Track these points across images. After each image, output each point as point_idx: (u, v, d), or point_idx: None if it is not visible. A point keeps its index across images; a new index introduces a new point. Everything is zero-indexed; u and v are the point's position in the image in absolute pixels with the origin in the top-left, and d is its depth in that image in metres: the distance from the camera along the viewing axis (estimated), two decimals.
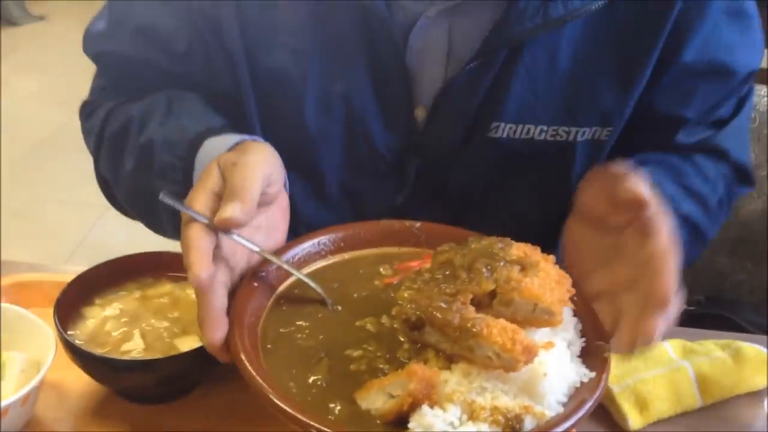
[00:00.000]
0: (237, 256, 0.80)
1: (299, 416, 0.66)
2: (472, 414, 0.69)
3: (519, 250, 0.78)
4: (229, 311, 0.74)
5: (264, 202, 0.82)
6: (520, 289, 0.74)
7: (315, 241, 0.87)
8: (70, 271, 0.97)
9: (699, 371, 0.98)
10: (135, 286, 0.96)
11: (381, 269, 0.88)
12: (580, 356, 0.77)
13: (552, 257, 0.80)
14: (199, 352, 0.83)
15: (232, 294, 0.77)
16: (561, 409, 0.71)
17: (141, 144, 1.01)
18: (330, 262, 0.88)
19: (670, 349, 1.01)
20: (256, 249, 0.79)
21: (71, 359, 0.86)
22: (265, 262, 0.81)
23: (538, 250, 0.80)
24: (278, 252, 0.84)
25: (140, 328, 0.90)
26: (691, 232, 1.06)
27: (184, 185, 0.93)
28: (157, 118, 1.02)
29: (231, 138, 0.93)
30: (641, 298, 0.75)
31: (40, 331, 0.87)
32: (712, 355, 1.00)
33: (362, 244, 0.90)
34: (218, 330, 0.72)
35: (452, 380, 0.71)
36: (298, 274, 0.82)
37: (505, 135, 1.02)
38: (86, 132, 1.18)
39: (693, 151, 1.10)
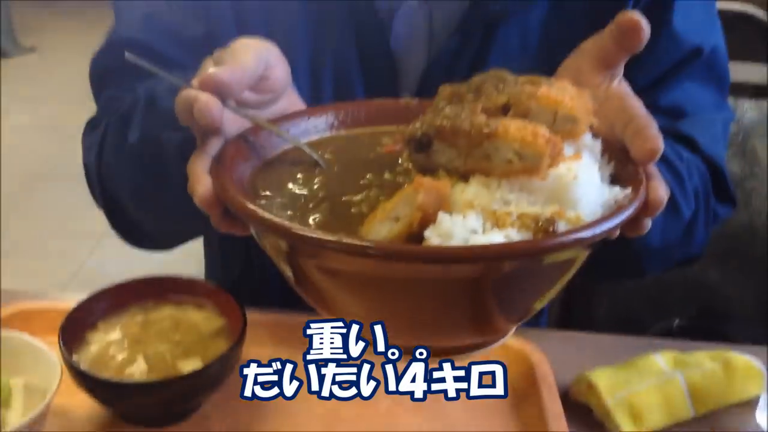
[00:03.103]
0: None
1: (308, 233, 0.58)
2: (497, 221, 0.59)
3: (527, 77, 0.70)
4: (215, 166, 0.68)
5: (269, 89, 0.76)
6: (537, 97, 0.65)
7: (307, 117, 0.79)
8: (71, 299, 0.97)
9: (691, 382, 0.99)
10: (137, 310, 0.97)
11: (382, 140, 0.80)
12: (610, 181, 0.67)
13: (565, 80, 0.70)
14: (201, 373, 0.86)
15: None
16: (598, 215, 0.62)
17: (144, 103, 0.95)
18: (326, 135, 0.80)
19: (661, 361, 1.03)
20: (249, 115, 0.72)
21: (77, 383, 0.87)
22: (254, 129, 0.74)
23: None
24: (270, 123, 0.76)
25: (143, 351, 0.92)
26: (667, 205, 1.05)
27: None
28: (162, 83, 0.94)
29: None
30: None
31: (45, 357, 0.88)
32: (703, 366, 1.02)
33: (358, 123, 0.82)
34: (207, 183, 0.66)
35: (470, 190, 0.62)
36: (293, 140, 0.75)
37: None
38: (87, 146, 1.09)
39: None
